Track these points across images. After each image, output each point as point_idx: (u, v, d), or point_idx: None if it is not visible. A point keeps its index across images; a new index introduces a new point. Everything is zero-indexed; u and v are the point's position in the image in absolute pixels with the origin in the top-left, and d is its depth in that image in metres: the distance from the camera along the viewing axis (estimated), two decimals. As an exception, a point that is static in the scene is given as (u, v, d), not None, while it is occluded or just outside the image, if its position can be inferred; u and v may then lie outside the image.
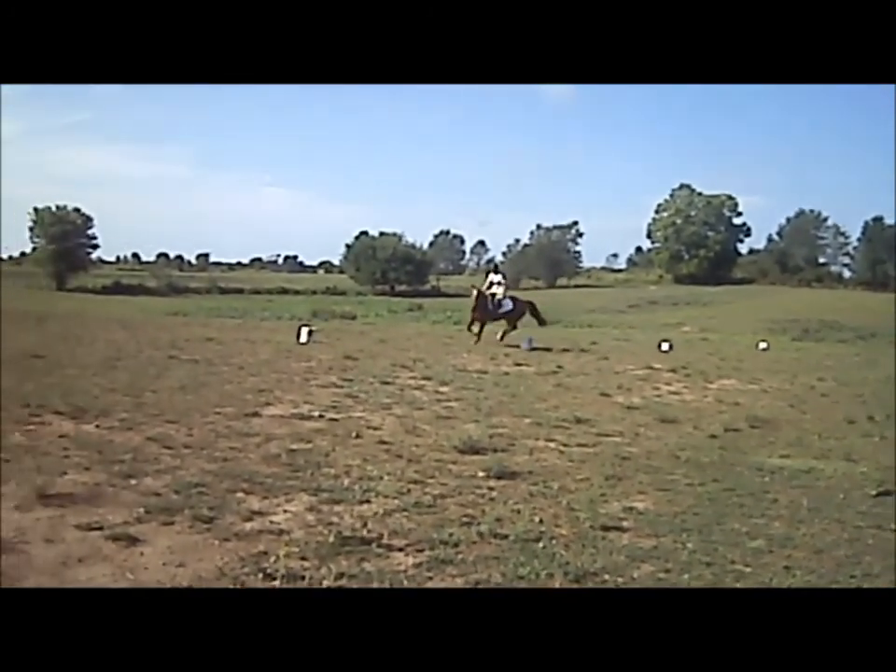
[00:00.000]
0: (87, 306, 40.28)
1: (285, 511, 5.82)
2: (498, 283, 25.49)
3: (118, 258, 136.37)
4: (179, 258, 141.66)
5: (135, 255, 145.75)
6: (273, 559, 4.82)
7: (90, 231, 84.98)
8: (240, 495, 6.08)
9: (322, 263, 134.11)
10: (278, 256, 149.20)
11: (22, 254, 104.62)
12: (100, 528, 5.19)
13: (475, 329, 25.09)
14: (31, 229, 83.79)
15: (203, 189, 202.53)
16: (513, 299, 26.00)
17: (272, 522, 5.58)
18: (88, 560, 4.72)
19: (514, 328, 25.38)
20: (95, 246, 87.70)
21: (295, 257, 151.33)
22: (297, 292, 77.41)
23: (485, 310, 25.06)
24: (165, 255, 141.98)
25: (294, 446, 7.71)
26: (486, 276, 26.66)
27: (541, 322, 27.72)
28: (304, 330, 19.12)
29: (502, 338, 24.51)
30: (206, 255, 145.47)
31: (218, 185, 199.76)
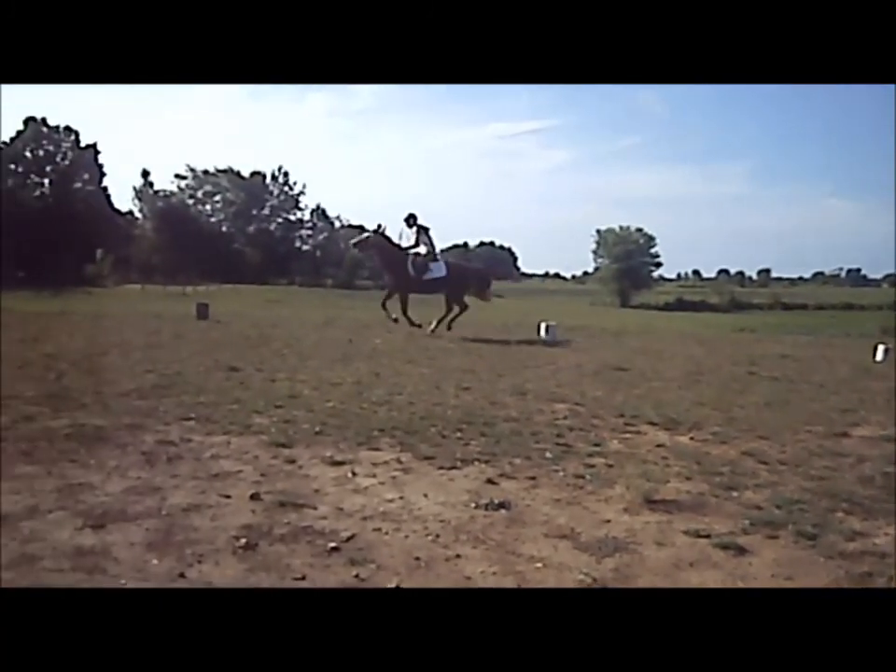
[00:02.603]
0: (653, 322, 42.07)
1: (885, 535, 5.79)
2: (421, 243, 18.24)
3: (678, 275, 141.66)
4: (740, 273, 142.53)
5: (696, 272, 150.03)
6: (880, 581, 4.89)
7: (652, 250, 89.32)
8: (840, 514, 6.18)
9: (887, 276, 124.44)
10: (841, 269, 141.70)
11: (585, 273, 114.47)
12: (707, 536, 5.61)
13: (389, 307, 18.71)
14: (594, 250, 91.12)
15: (759, 204, 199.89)
16: (447, 263, 19.11)
17: (874, 544, 5.60)
18: (698, 565, 5.13)
19: (455, 309, 18.84)
20: (658, 265, 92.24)
21: (858, 269, 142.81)
22: (862, 307, 72.89)
23: (403, 275, 18.20)
24: (726, 271, 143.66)
25: (889, 469, 7.53)
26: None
27: (483, 295, 20.22)
28: (881, 348, 18.30)
29: (434, 329, 18.58)
30: (767, 270, 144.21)
31: (775, 199, 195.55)
